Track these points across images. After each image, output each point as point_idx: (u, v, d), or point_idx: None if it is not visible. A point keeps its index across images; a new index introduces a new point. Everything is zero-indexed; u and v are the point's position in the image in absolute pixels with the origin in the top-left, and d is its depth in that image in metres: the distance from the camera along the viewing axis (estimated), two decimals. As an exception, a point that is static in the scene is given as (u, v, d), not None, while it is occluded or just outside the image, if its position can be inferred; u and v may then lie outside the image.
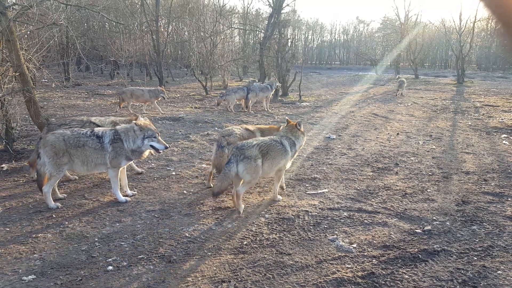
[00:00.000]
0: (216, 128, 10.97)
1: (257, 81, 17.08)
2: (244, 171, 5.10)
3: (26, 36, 9.33)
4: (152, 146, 5.43)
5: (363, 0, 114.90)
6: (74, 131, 5.38)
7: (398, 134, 10.70)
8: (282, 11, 20.30)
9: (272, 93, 15.26)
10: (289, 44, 20.37)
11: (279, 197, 5.73)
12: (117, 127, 5.56)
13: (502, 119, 13.11)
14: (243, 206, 5.26)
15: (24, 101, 7.94)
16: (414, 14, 52.71)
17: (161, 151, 5.57)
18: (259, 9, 48.36)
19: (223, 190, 5.17)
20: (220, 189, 5.09)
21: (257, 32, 34.56)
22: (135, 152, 5.43)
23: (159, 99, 13.55)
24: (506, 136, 10.46)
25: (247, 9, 41.35)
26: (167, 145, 5.60)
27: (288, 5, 21.64)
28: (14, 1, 8.39)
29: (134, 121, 5.49)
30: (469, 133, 10.87)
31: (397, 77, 23.86)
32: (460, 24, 31.63)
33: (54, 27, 10.55)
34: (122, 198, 5.54)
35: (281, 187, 6.08)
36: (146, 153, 5.62)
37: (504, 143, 9.66)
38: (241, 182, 5.24)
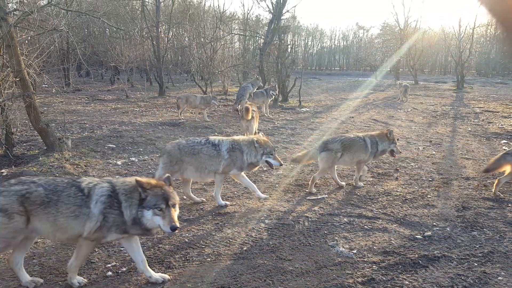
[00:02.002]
0: (216, 133, 10.97)
1: (260, 79, 17.13)
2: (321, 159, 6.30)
3: (26, 41, 9.36)
4: (267, 162, 5.72)
5: (362, 6, 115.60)
6: (189, 140, 5.67)
7: (398, 139, 10.69)
8: (282, 17, 20.41)
9: (271, 99, 15.27)
10: (289, 50, 20.45)
11: (360, 184, 6.60)
12: (238, 138, 5.84)
13: (501, 124, 13.12)
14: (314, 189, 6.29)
15: (24, 106, 7.93)
16: (414, 20, 52.93)
17: (274, 167, 6.00)
18: (259, 15, 48.62)
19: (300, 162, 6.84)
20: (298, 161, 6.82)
21: (257, 38, 34.72)
22: (250, 165, 5.73)
23: (211, 105, 13.86)
24: (506, 141, 10.47)
25: (247, 15, 41.46)
26: (282, 163, 5.92)
27: (288, 11, 21.75)
28: (15, 7, 8.43)
29: (255, 138, 5.71)
30: (469, 139, 10.88)
31: (398, 83, 23.93)
32: (459, 30, 31.75)
33: (54, 33, 10.60)
34: (222, 202, 5.68)
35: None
36: (258, 167, 5.94)
37: (504, 149, 9.66)
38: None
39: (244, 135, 10.86)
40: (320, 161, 6.39)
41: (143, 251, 3.76)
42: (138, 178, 3.39)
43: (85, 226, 3.33)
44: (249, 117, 9.59)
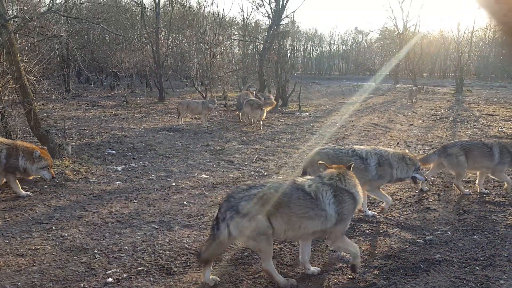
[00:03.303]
0: (216, 139, 10.98)
1: (255, 87, 17.08)
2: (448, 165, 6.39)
3: (26, 48, 9.39)
4: (413, 177, 5.49)
5: (361, 11, 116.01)
6: (336, 149, 5.49)
7: (398, 143, 10.70)
8: (281, 23, 20.48)
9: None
10: (288, 55, 20.51)
11: (467, 191, 6.48)
12: (386, 151, 5.49)
13: (501, 128, 13.13)
14: None
15: (24, 112, 7.95)
16: (413, 25, 53.11)
17: (419, 182, 5.87)
18: (258, 21, 48.66)
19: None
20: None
21: (257, 43, 34.81)
22: (397, 180, 5.51)
23: (212, 111, 13.78)
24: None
25: (247, 21, 41.61)
26: (426, 178, 5.92)
27: (287, 16, 21.86)
28: (15, 14, 8.46)
29: (406, 153, 5.51)
30: (469, 142, 10.86)
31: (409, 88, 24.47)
32: (458, 34, 31.85)
33: (54, 39, 10.63)
34: (369, 212, 5.57)
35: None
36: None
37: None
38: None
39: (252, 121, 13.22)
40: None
41: (143, 257, 3.75)
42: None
43: (322, 224, 3.59)
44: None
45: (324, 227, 3.59)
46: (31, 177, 6.38)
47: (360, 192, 3.87)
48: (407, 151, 5.77)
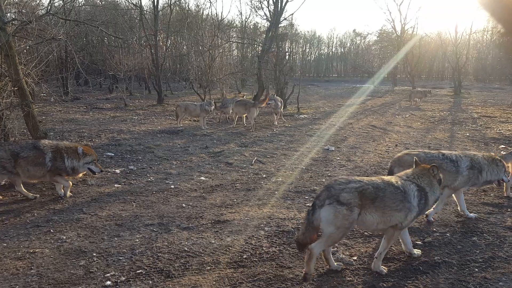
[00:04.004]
0: (214, 141, 10.97)
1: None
2: None
3: (25, 51, 9.39)
4: (499, 180, 5.62)
5: (359, 13, 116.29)
6: (427, 153, 5.54)
7: (396, 145, 10.71)
8: (279, 25, 20.50)
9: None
10: (287, 57, 20.53)
11: None
12: (477, 155, 5.56)
13: (499, 129, 13.15)
14: None
15: (23, 115, 7.94)
16: (411, 27, 53.22)
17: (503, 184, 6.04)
18: (257, 23, 48.77)
19: None
20: None
21: (255, 45, 34.86)
22: (485, 183, 5.57)
23: (209, 112, 13.76)
24: (504, 146, 10.48)
25: (245, 23, 41.72)
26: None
27: (285, 19, 21.84)
28: (13, 17, 8.46)
29: (497, 156, 5.58)
30: (467, 144, 10.89)
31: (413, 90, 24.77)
32: (456, 36, 31.96)
33: (53, 42, 10.62)
34: (471, 214, 5.55)
35: None
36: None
37: (503, 154, 9.67)
38: None
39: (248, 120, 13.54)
40: None
41: (142, 260, 3.74)
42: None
43: (404, 216, 3.90)
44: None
45: (404, 219, 3.91)
46: (80, 175, 6.47)
47: (437, 191, 4.14)
48: (493, 153, 5.81)
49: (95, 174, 6.46)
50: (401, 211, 3.87)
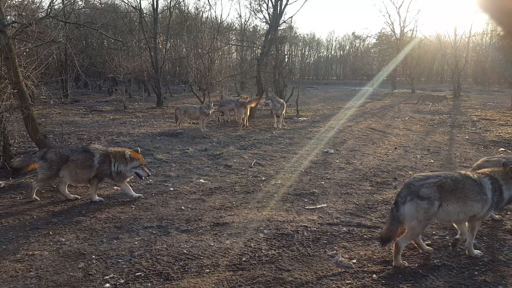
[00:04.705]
0: (214, 143, 10.97)
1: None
2: None
3: (25, 53, 9.39)
4: None
5: (359, 16, 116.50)
6: (508, 158, 5.29)
7: (396, 148, 10.72)
8: (279, 28, 20.52)
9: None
10: (286, 59, 20.55)
11: None
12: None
13: (499, 132, 13.17)
14: None
15: (22, 118, 7.94)
16: (410, 30, 53.33)
17: None
18: (256, 26, 48.88)
19: None
20: None
21: (255, 48, 34.90)
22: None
23: (209, 115, 13.78)
24: (503, 149, 10.50)
25: (245, 26, 41.77)
26: None
27: (284, 21, 21.90)
28: (13, 19, 8.47)
29: None
30: (467, 147, 10.91)
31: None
32: (455, 39, 32.03)
33: (53, 45, 10.62)
34: (496, 216, 5.46)
35: None
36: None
37: (503, 156, 9.67)
38: None
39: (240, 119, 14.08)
40: None
41: (141, 262, 3.74)
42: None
43: (481, 208, 4.15)
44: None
45: (481, 210, 4.16)
46: (127, 180, 6.46)
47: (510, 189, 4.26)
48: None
49: (142, 178, 6.48)
50: (478, 202, 4.11)
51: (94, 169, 6.13)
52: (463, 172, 4.36)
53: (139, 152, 6.47)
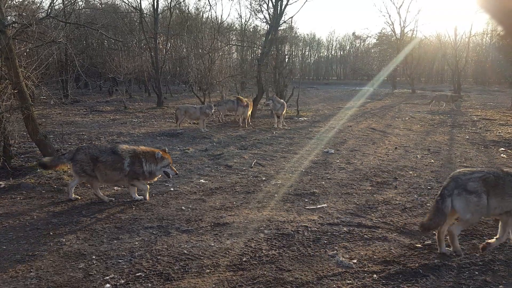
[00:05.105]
0: (214, 144, 10.97)
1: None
2: None
3: (25, 53, 9.40)
4: None
5: (359, 16, 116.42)
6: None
7: (396, 148, 10.72)
8: (279, 28, 20.51)
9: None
10: (286, 60, 20.54)
11: None
12: None
13: (499, 132, 13.16)
14: None
15: (23, 118, 7.93)
16: (410, 30, 53.30)
17: None
18: (256, 26, 48.87)
19: None
20: None
21: (255, 48, 34.90)
22: None
23: (209, 115, 13.76)
24: (503, 149, 10.49)
25: (245, 26, 41.79)
26: None
27: (285, 22, 21.90)
28: (13, 20, 8.47)
29: None
30: (467, 147, 10.90)
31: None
32: (455, 39, 32.03)
33: (53, 45, 10.63)
34: None
35: None
36: None
37: (502, 156, 9.69)
38: None
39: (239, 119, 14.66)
40: None
41: (141, 263, 3.73)
42: None
43: None
44: (245, 104, 14.18)
45: None
46: (156, 179, 6.49)
47: None
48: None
49: (169, 177, 6.46)
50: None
51: (125, 171, 6.09)
52: (506, 169, 4.46)
53: (167, 151, 6.49)
